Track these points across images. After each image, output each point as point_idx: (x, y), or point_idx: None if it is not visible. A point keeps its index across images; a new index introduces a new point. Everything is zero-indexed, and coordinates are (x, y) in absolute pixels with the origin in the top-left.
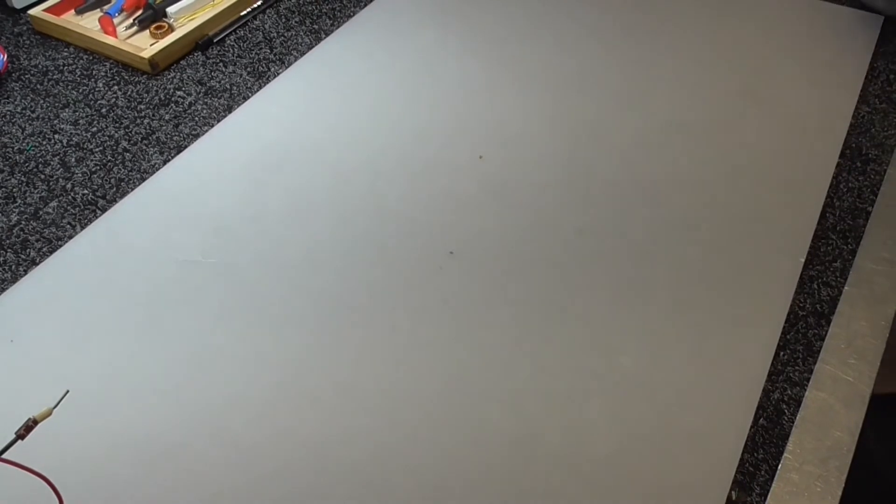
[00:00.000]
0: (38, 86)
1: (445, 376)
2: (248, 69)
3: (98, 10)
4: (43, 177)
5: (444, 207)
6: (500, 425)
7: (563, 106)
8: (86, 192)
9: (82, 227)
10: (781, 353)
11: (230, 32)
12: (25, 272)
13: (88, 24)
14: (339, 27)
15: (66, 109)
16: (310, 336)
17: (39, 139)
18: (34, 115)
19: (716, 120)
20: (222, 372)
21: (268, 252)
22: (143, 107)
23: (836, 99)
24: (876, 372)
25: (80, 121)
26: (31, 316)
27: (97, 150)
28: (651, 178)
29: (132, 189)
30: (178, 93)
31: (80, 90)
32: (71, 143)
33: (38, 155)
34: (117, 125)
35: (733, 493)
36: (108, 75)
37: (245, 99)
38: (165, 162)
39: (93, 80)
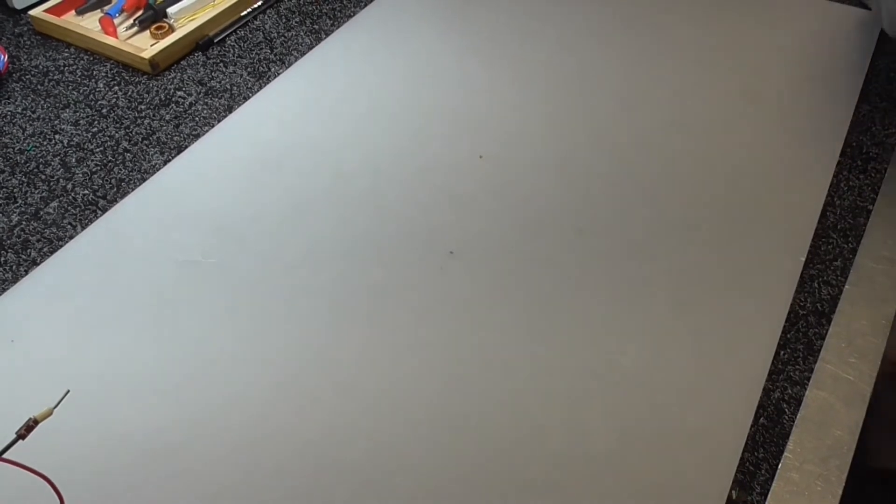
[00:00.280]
0: (39, 86)
1: (445, 376)
2: (249, 69)
3: (98, 10)
4: (44, 177)
5: (444, 207)
6: (499, 425)
7: (563, 106)
8: (86, 192)
9: (83, 228)
10: (782, 352)
11: (230, 33)
12: (26, 272)
13: (89, 24)
14: (339, 27)
15: (67, 110)
16: (310, 336)
17: (40, 139)
18: (35, 116)
19: (716, 119)
20: (222, 372)
21: (268, 252)
22: (143, 107)
23: (836, 97)
24: (877, 371)
25: (81, 121)
26: (31, 316)
27: (98, 150)
28: (651, 177)
29: (133, 189)
30: (179, 93)
31: (81, 90)
32: (71, 143)
33: (39, 155)
34: (118, 125)
35: (734, 492)
36: (109, 76)
37: (245, 99)
38: (166, 162)
39: (93, 80)
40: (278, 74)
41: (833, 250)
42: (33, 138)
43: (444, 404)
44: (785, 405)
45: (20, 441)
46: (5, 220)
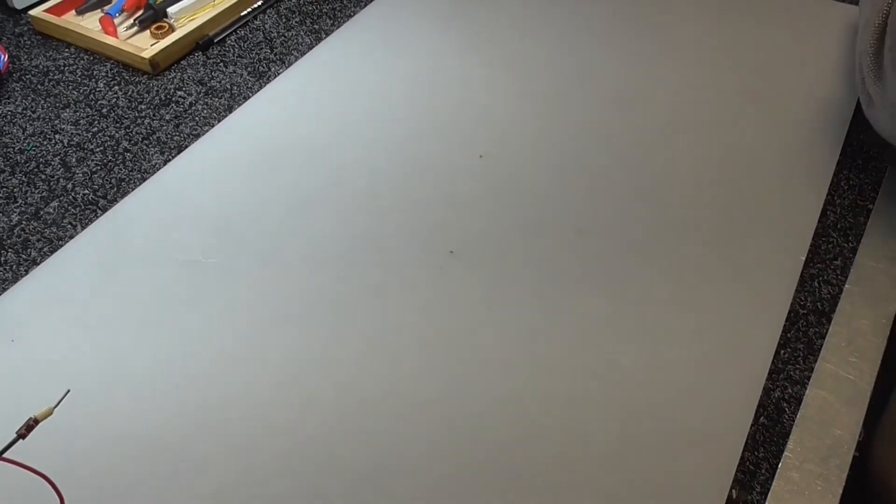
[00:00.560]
0: (39, 86)
1: (445, 376)
2: (249, 69)
3: (99, 10)
4: (44, 177)
5: (444, 207)
6: (499, 425)
7: (563, 105)
8: (86, 192)
9: (83, 227)
10: (782, 352)
11: (231, 32)
12: (26, 272)
13: (89, 24)
14: (339, 27)
15: (67, 109)
16: (310, 336)
17: (40, 139)
18: (35, 116)
19: (716, 118)
20: (222, 371)
21: (268, 252)
22: (143, 107)
23: (837, 95)
24: (877, 370)
25: (81, 121)
26: (31, 316)
27: (98, 150)
28: (651, 177)
29: (133, 189)
30: (179, 93)
31: (81, 90)
32: (72, 143)
33: (39, 155)
34: (118, 125)
35: (734, 491)
36: (109, 75)
37: (245, 99)
38: (166, 162)
39: (93, 80)
40: (278, 74)
41: (833, 249)
42: (33, 138)
43: (443, 404)
44: (785, 404)
45: (20, 440)
46: (5, 219)
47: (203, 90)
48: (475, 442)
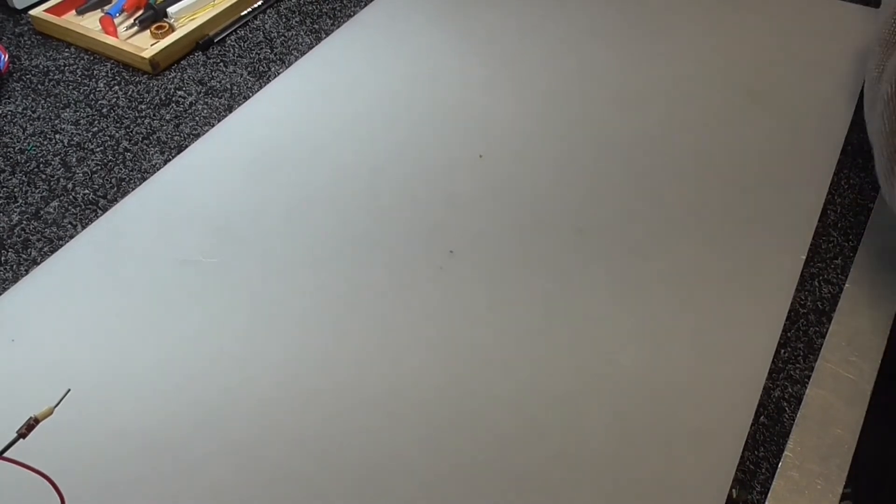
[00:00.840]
0: (40, 86)
1: (445, 376)
2: (249, 69)
3: (99, 10)
4: (44, 176)
5: (444, 207)
6: (499, 425)
7: (563, 105)
8: (87, 191)
9: (83, 227)
10: (782, 351)
11: (231, 32)
12: (26, 272)
13: (89, 24)
14: (339, 27)
15: (67, 109)
16: (310, 336)
17: (40, 139)
18: (35, 116)
19: (716, 117)
20: (223, 371)
21: (268, 252)
22: (143, 107)
23: (837, 95)
24: (877, 370)
25: (81, 121)
26: (32, 315)
27: (98, 149)
28: (651, 176)
29: (133, 189)
30: (179, 93)
31: (81, 90)
32: (72, 142)
33: (40, 155)
34: (118, 125)
35: (734, 491)
36: (109, 75)
37: (245, 99)
38: (166, 162)
39: (94, 80)
40: (278, 74)
41: (834, 248)
42: (34, 138)
43: (444, 404)
44: (785, 404)
45: (21, 440)
46: (6, 219)
47: (203, 90)
48: (475, 442)
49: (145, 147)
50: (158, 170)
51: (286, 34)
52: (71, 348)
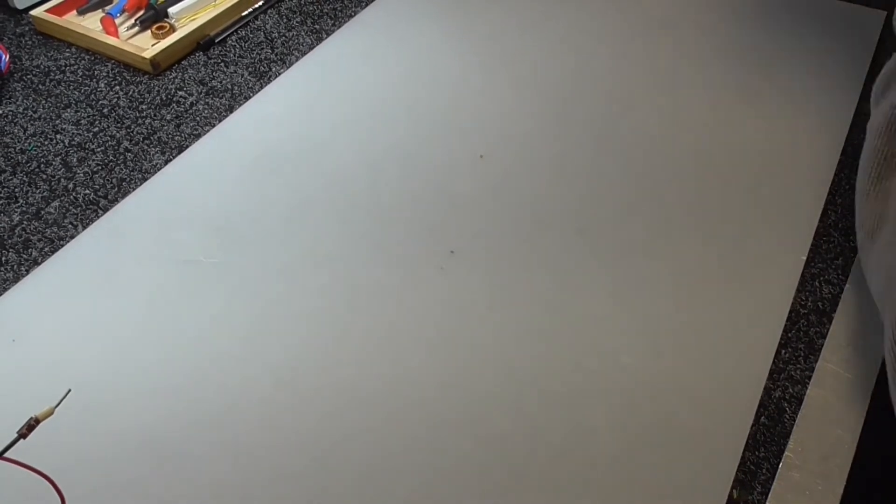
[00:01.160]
0: (40, 86)
1: (446, 376)
2: (250, 69)
3: (100, 10)
4: (45, 177)
5: (444, 207)
6: (499, 424)
7: (563, 105)
8: (87, 191)
9: (84, 227)
10: (783, 351)
11: (231, 32)
12: (27, 272)
13: (90, 24)
14: (340, 27)
15: (68, 110)
16: (310, 336)
17: (41, 139)
18: (36, 116)
19: (717, 117)
20: (223, 371)
21: (269, 251)
22: (144, 107)
23: (838, 95)
24: (877, 370)
25: (82, 121)
26: (32, 315)
27: (99, 150)
28: (651, 176)
29: (134, 189)
30: (180, 93)
31: (82, 90)
32: (73, 143)
33: (40, 155)
34: (119, 125)
35: (734, 491)
36: (110, 75)
37: (246, 99)
38: (167, 162)
39: (94, 80)
40: (279, 74)
41: (834, 249)
42: (34, 138)
43: (444, 403)
44: (786, 404)
45: (21, 440)
46: (7, 219)
47: (204, 90)
48: (475, 441)
49: (146, 147)
50: (159, 170)
51: (287, 34)
52: (71, 348)
